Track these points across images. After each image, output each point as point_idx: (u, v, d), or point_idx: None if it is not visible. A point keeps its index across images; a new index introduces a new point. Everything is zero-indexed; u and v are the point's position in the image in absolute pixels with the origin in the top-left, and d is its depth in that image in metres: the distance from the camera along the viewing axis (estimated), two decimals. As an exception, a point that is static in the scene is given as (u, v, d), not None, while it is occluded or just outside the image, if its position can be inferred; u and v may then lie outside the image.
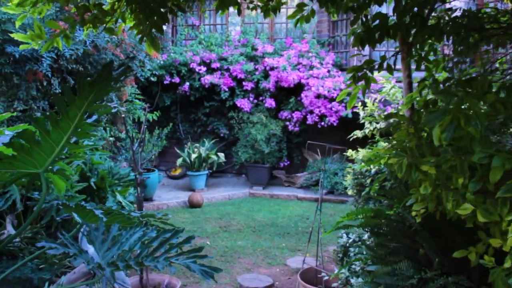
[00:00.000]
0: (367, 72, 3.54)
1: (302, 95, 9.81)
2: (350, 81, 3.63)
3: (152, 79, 10.51)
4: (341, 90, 9.47)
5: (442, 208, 2.69)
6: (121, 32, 3.89)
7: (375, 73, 5.89)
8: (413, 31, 3.36)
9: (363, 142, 9.35)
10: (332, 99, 9.52)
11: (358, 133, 6.13)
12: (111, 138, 8.75)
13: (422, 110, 2.96)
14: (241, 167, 10.71)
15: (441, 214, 2.87)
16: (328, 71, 9.92)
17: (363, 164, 5.47)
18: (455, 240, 3.02)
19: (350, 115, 9.35)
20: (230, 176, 11.42)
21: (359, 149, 6.01)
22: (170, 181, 10.99)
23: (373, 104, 5.91)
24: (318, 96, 9.69)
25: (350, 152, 6.13)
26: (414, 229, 3.31)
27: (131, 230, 3.17)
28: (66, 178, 3.55)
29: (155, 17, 2.93)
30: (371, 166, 5.42)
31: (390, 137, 6.23)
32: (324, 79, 9.72)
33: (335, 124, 9.59)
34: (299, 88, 10.05)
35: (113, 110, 5.37)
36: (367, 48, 9.88)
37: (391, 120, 5.38)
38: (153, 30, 3.12)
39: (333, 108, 9.46)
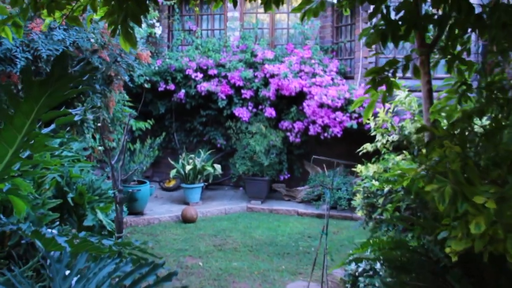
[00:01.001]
0: (389, 75, 2.93)
1: (304, 104, 9.25)
2: (369, 86, 3.02)
3: (146, 85, 9.96)
4: (345, 99, 8.92)
5: (493, 249, 2.09)
6: (101, 28, 3.32)
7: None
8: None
9: (370, 155, 8.79)
10: (336, 109, 8.95)
11: (368, 147, 5.57)
12: (100, 148, 8.17)
13: (463, 123, 2.37)
14: (239, 179, 10.13)
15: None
16: (332, 79, 9.36)
17: (375, 183, 4.88)
18: (499, 283, 2.43)
19: (355, 126, 8.79)
20: (227, 188, 10.83)
21: (369, 164, 5.41)
22: (163, 193, 10.40)
23: (386, 114, 5.30)
24: (321, 106, 9.12)
25: (359, 168, 5.54)
26: (443, 265, 2.73)
27: (102, 262, 2.60)
28: (25, 197, 2.97)
29: (130, 4, 2.36)
30: (385, 184, 4.83)
31: (404, 151, 5.66)
32: (328, 88, 9.16)
33: (339, 135, 9.02)
34: (301, 96, 9.49)
35: (77, 118, 4.77)
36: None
37: (423, 134, 4.81)
38: (129, 21, 2.54)
39: (337, 118, 8.89)
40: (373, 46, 9.67)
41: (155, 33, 10.08)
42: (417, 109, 5.20)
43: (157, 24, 10.09)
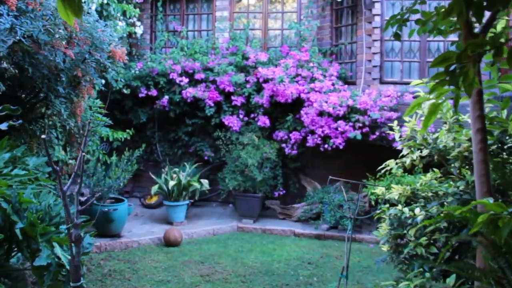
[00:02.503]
0: (470, 65, 1.95)
1: (302, 112, 8.29)
2: (435, 81, 2.05)
3: (125, 91, 8.95)
4: (348, 106, 7.97)
5: None
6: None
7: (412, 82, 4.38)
8: None
9: (374, 170, 7.84)
10: (337, 117, 8.00)
11: (392, 164, 4.60)
12: (71, 161, 7.14)
13: None
14: (229, 195, 9.12)
15: None
16: (333, 84, 8.43)
17: (405, 210, 3.93)
18: None
19: (359, 137, 7.85)
20: (215, 205, 9.81)
21: (392, 186, 4.46)
22: (144, 211, 9.36)
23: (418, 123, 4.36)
24: (320, 114, 8.17)
25: (380, 190, 4.59)
26: None
27: None
28: None
29: None
30: (418, 210, 3.86)
31: (435, 169, 4.71)
32: (328, 94, 8.22)
33: (341, 147, 8.06)
34: (298, 104, 8.54)
35: (2, 127, 3.76)
36: (377, 57, 8.42)
37: (464, 149, 3.85)
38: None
39: (339, 128, 7.94)
40: (378, 47, 8.79)
41: (135, 33, 9.08)
42: (450, 118, 4.24)
43: (138, 23, 9.10)
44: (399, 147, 4.57)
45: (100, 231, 7.38)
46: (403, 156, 4.57)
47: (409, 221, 3.85)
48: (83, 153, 3.13)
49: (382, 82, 8.51)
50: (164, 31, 9.85)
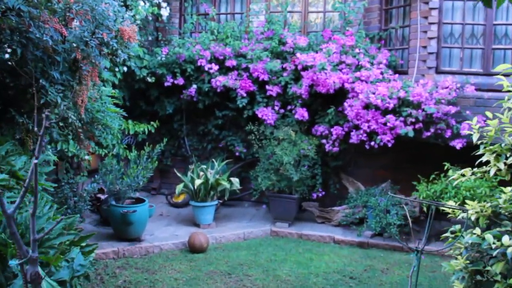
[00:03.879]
0: None
1: (345, 104, 7.34)
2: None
3: (149, 79, 8.16)
4: (399, 99, 6.98)
5: None
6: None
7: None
8: None
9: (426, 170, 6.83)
10: (386, 111, 7.02)
11: (467, 173, 3.64)
12: (87, 157, 6.39)
13: None
14: (262, 195, 8.24)
15: None
16: (381, 73, 7.44)
17: (489, 236, 2.98)
18: None
19: (411, 134, 6.86)
20: (247, 205, 8.96)
21: (468, 202, 3.51)
22: (171, 210, 8.57)
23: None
24: (367, 107, 7.21)
25: (455, 212, 3.65)
26: None
27: None
28: None
29: None
30: (507, 238, 2.90)
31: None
32: (376, 84, 7.24)
33: (389, 144, 7.08)
34: (341, 95, 7.59)
35: None
36: (434, 43, 7.39)
37: None
38: None
39: (388, 123, 6.96)
40: (436, 31, 7.72)
41: (161, 15, 8.26)
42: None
43: (164, 4, 8.28)
44: (480, 152, 3.57)
45: (118, 235, 6.66)
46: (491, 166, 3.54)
47: (494, 253, 2.89)
48: (36, 161, 2.30)
49: (438, 71, 7.49)
50: (194, 14, 9.00)
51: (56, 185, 4.47)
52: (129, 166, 6.56)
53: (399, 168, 8.15)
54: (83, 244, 3.80)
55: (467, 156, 7.19)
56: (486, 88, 7.18)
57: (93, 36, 4.01)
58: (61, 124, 4.59)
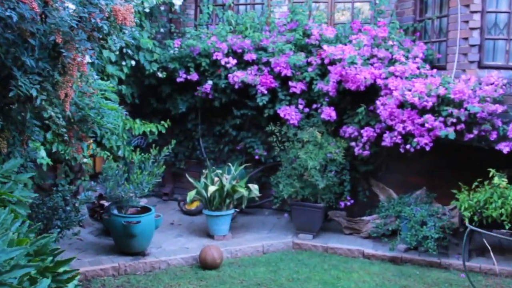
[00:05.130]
0: None
1: (378, 103, 6.54)
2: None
3: (160, 74, 7.46)
4: (438, 97, 6.16)
5: None
6: None
7: None
8: None
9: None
10: (424, 110, 6.21)
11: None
12: (86, 159, 5.71)
13: None
14: (284, 203, 7.46)
15: None
16: (418, 68, 6.63)
17: None
18: None
19: (452, 136, 6.04)
20: (267, 213, 8.18)
21: None
22: (183, 218, 7.84)
23: None
24: (401, 105, 6.40)
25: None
26: None
27: None
28: None
29: None
30: None
31: None
32: (412, 80, 6.43)
33: (427, 148, 6.26)
34: (372, 92, 6.79)
35: None
36: (476, 34, 6.55)
37: None
38: None
39: (425, 124, 6.14)
40: (478, 21, 6.90)
41: (173, 5, 7.54)
42: None
43: (177, -8, 7.57)
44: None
45: (120, 248, 5.95)
46: None
47: None
48: None
49: (481, 66, 6.63)
50: (210, 4, 8.25)
51: (36, 195, 3.75)
52: (131, 172, 5.85)
53: (435, 174, 7.33)
54: (61, 270, 3.08)
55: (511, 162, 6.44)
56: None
57: (79, 17, 3.29)
58: (62, 122, 3.88)
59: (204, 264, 5.89)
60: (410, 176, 7.52)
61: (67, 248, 6.00)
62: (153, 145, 6.32)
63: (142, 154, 6.05)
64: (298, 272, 5.94)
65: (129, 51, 5.08)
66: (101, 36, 3.62)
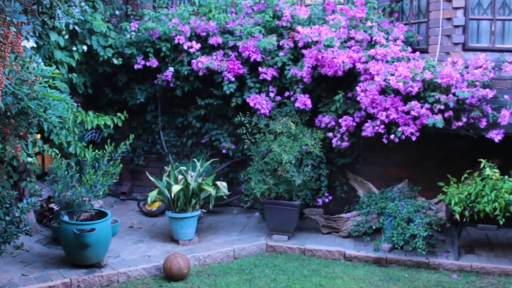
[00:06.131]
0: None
1: (358, 89, 5.94)
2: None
3: (115, 61, 6.70)
4: (423, 81, 5.61)
5: None
6: None
7: None
8: None
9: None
10: (408, 97, 5.65)
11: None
12: (30, 159, 4.92)
13: None
14: (255, 200, 6.80)
15: None
16: (401, 51, 6.06)
17: None
18: None
19: (439, 124, 5.49)
20: (236, 212, 7.52)
21: None
22: (144, 220, 7.10)
23: None
24: (383, 92, 5.83)
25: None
26: None
27: None
28: None
29: None
30: None
31: None
32: (394, 64, 5.85)
33: (413, 138, 5.70)
34: (350, 77, 6.21)
35: None
36: (460, 14, 6.01)
37: None
38: None
39: (411, 112, 5.57)
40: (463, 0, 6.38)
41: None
42: None
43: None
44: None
45: (72, 260, 5.18)
46: None
47: None
48: None
49: (466, 49, 6.12)
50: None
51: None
52: (84, 172, 5.09)
53: (418, 166, 6.86)
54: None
55: (499, 150, 5.95)
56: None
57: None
58: None
59: (169, 275, 5.19)
60: (389, 168, 7.01)
61: (9, 263, 5.22)
62: (109, 140, 5.57)
63: (97, 151, 5.28)
64: (275, 281, 5.31)
65: (77, 28, 4.29)
66: (41, 10, 2.87)
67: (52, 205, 5.98)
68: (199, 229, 6.50)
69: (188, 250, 5.84)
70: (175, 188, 5.85)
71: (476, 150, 6.24)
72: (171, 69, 6.78)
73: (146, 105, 7.50)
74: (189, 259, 5.43)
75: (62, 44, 6.03)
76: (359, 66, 5.95)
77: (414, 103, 5.56)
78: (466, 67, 5.76)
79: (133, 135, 5.67)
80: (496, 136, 5.62)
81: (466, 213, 5.54)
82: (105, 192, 5.08)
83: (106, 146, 5.17)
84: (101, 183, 4.93)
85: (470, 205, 5.53)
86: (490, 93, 5.49)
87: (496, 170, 5.57)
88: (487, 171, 5.58)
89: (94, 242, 4.99)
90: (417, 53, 6.16)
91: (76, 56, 6.28)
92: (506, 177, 5.56)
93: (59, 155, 5.07)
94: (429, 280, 5.41)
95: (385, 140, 5.93)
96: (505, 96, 5.67)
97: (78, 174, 5.23)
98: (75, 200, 4.88)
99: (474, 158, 6.15)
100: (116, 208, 7.53)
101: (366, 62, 5.96)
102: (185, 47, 6.63)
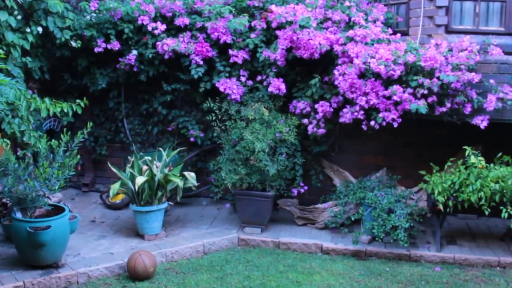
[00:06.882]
0: None
1: (336, 72, 5.58)
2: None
3: (74, 43, 6.19)
4: (406, 64, 5.28)
5: None
6: None
7: None
8: None
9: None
10: (389, 81, 5.32)
11: None
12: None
13: None
14: (226, 191, 6.39)
15: None
16: (381, 32, 5.73)
17: None
18: None
19: (423, 110, 5.18)
20: (206, 203, 7.12)
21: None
22: (107, 213, 6.65)
23: None
24: (362, 75, 5.49)
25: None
26: None
27: None
28: None
29: None
30: None
31: None
32: (375, 45, 5.51)
33: (395, 124, 5.39)
34: (326, 61, 5.85)
35: None
36: (443, -6, 5.74)
37: None
38: None
39: (393, 97, 5.25)
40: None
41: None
42: None
43: None
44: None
45: (26, 261, 4.71)
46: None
47: None
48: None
49: (449, 31, 5.87)
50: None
51: None
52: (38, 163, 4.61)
53: (396, 154, 6.62)
54: None
55: (479, 138, 5.71)
56: (511, 51, 5.63)
57: None
58: None
59: (134, 275, 4.77)
60: (366, 156, 6.77)
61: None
62: (69, 129, 5.10)
63: (54, 141, 4.79)
64: (249, 278, 4.94)
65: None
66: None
67: (5, 200, 5.48)
68: (166, 222, 6.08)
69: (155, 246, 5.42)
70: (139, 179, 5.41)
71: (455, 138, 6.06)
72: (135, 52, 6.30)
73: (108, 91, 7.00)
74: (155, 256, 5.02)
75: (14, 25, 5.52)
76: (337, 48, 5.60)
77: (396, 87, 5.24)
78: (450, 50, 5.48)
79: (91, 123, 5.18)
80: (481, 122, 5.38)
81: (450, 203, 5.28)
82: (61, 185, 4.61)
83: (62, 136, 4.68)
84: (56, 176, 4.45)
85: (454, 194, 5.28)
86: (476, 77, 5.22)
87: (481, 158, 5.31)
88: (472, 159, 5.31)
89: (50, 241, 4.52)
90: (398, 35, 5.83)
91: (31, 38, 5.76)
92: (492, 165, 5.31)
93: (9, 146, 4.56)
94: (412, 273, 5.13)
95: (364, 127, 5.61)
96: (491, 81, 5.42)
97: (32, 167, 4.75)
98: (28, 195, 4.40)
99: (454, 145, 5.96)
100: (77, 200, 7.05)
101: (345, 44, 5.62)
102: (150, 28, 6.16)
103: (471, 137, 5.74)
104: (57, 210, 4.88)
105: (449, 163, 5.58)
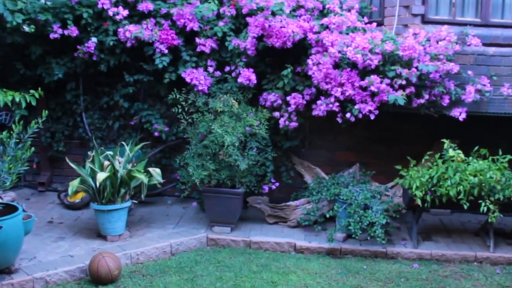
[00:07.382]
0: None
1: (310, 62, 5.32)
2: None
3: (27, 28, 5.75)
4: (383, 54, 5.07)
5: None
6: None
7: None
8: None
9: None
10: (365, 71, 5.10)
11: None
12: None
13: None
14: (193, 189, 6.05)
15: None
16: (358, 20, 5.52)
17: None
18: None
19: (400, 101, 4.97)
20: (171, 202, 6.75)
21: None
22: (66, 214, 6.21)
23: None
24: (337, 66, 5.24)
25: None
26: None
27: None
28: None
29: None
30: None
31: None
32: (350, 34, 5.27)
33: (372, 116, 5.17)
34: (299, 50, 5.58)
35: None
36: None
37: None
38: None
39: (371, 87, 5.02)
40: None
41: None
42: None
43: None
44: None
45: (-25, 265, 4.26)
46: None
47: None
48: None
49: (425, 21, 5.73)
50: None
51: None
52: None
53: (368, 149, 6.41)
54: None
55: (452, 132, 5.63)
56: (488, 42, 5.54)
57: None
58: None
59: (97, 278, 4.39)
60: (337, 152, 6.55)
61: None
62: (22, 121, 4.65)
63: (3, 132, 4.36)
64: (221, 279, 4.63)
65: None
66: None
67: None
68: (130, 222, 5.70)
69: (118, 247, 5.04)
70: (101, 176, 5.01)
71: (428, 133, 5.98)
72: (94, 39, 5.88)
73: (65, 82, 6.56)
74: (119, 257, 4.65)
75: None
76: (311, 36, 5.34)
77: (373, 77, 5.02)
78: (428, 40, 5.31)
79: (47, 112, 4.74)
80: (460, 114, 5.24)
81: (428, 197, 5.10)
82: (13, 181, 4.19)
83: (13, 126, 4.26)
84: (6, 171, 4.03)
85: (432, 189, 5.10)
86: (455, 67, 5.09)
87: (460, 151, 5.15)
88: (451, 152, 5.15)
89: (1, 243, 4.10)
90: (374, 24, 5.63)
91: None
92: (470, 158, 5.16)
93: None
94: (390, 271, 4.94)
95: (339, 120, 5.37)
96: (469, 72, 5.27)
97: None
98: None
99: (427, 141, 5.88)
100: (33, 201, 6.59)
101: (319, 32, 5.37)
102: (110, 13, 5.76)
103: (443, 131, 5.62)
104: (9, 209, 4.44)
105: (426, 157, 5.41)
